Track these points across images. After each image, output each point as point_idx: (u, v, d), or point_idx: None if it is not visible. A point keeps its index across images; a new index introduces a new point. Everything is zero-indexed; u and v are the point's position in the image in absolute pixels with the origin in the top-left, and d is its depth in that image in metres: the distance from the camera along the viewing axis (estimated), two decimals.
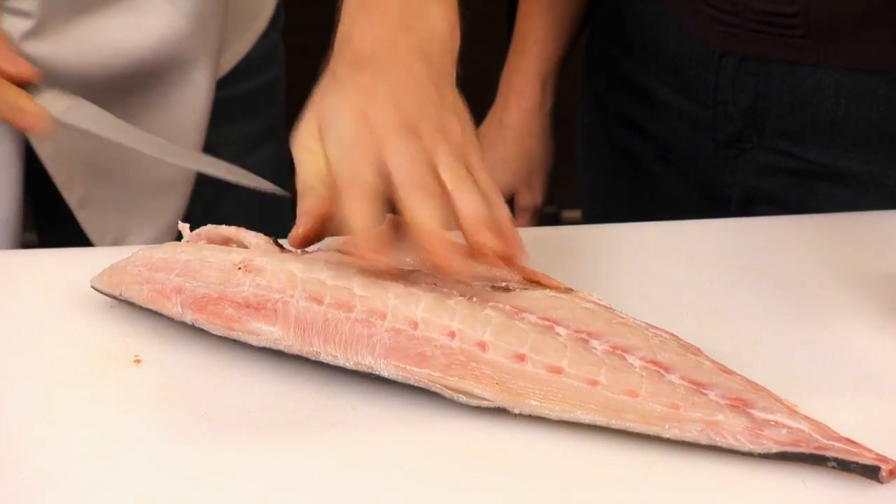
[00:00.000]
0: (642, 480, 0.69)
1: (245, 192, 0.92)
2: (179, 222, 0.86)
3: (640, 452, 0.70)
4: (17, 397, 0.75)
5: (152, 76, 1.08)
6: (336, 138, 0.76)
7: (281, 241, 0.83)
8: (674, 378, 0.72)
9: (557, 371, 0.72)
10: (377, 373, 0.73)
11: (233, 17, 1.15)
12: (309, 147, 0.77)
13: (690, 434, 0.70)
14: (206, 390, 0.75)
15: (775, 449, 0.69)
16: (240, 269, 0.78)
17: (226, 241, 0.84)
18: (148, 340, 0.80)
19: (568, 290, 0.80)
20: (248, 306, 0.76)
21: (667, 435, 0.70)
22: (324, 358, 0.74)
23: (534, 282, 0.80)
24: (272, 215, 0.94)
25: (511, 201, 1.20)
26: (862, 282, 0.87)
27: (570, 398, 0.71)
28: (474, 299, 0.77)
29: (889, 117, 1.02)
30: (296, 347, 0.74)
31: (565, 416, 0.71)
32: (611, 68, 1.18)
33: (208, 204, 1.17)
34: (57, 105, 0.97)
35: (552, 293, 0.79)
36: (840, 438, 0.69)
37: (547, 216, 1.25)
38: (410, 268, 0.80)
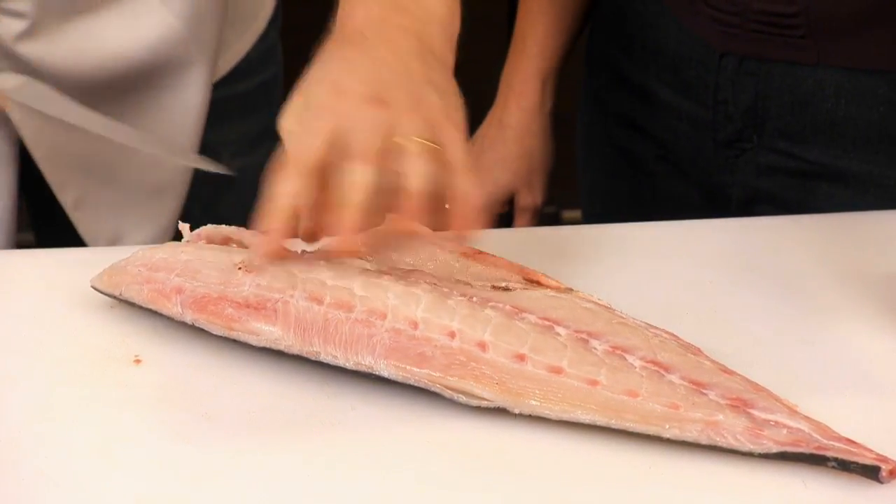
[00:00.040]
0: (642, 480, 0.69)
1: (244, 192, 0.92)
2: (179, 222, 0.86)
3: (640, 452, 0.70)
4: (17, 397, 0.75)
5: (147, 78, 1.08)
6: (298, 108, 0.75)
7: None
8: (674, 378, 0.72)
9: (557, 371, 0.72)
10: (377, 373, 0.73)
11: (232, 17, 1.15)
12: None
13: (690, 434, 0.70)
14: (206, 390, 0.75)
15: (775, 449, 0.69)
16: (240, 269, 0.78)
17: (226, 241, 0.84)
18: (148, 340, 0.80)
19: (568, 290, 0.80)
20: (248, 306, 0.76)
21: (667, 435, 0.70)
22: (324, 358, 0.74)
23: (534, 282, 0.80)
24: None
25: (511, 201, 1.21)
26: (862, 282, 0.87)
27: (570, 398, 0.71)
28: (474, 299, 0.77)
29: (889, 117, 1.02)
30: (296, 347, 0.74)
31: (565, 416, 0.71)
32: (611, 68, 1.18)
33: (206, 204, 1.17)
34: (8, 82, 0.98)
35: (552, 293, 0.79)
36: (840, 438, 0.69)
37: (547, 216, 1.25)
38: (410, 268, 0.80)
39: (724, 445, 0.69)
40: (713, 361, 0.74)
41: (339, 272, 0.77)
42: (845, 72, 1.02)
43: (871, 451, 0.68)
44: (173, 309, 0.78)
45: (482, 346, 0.73)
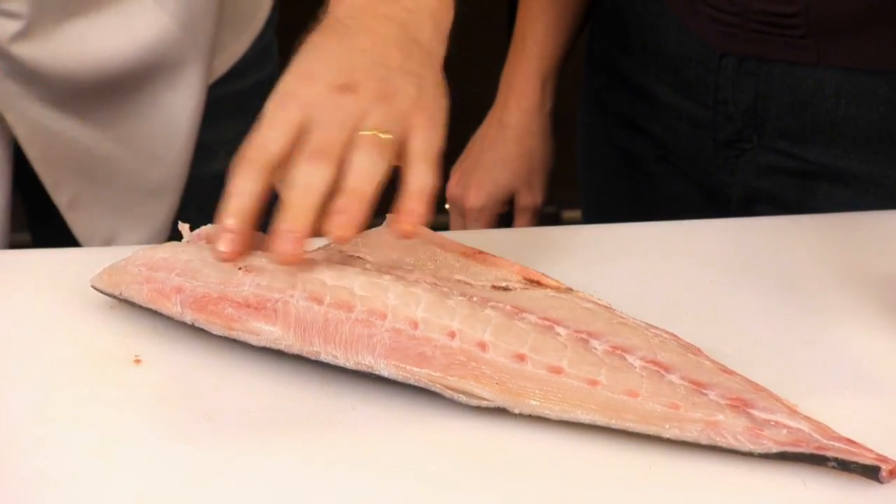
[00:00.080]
0: (642, 480, 0.69)
1: None
2: (180, 222, 0.86)
3: (640, 452, 0.70)
4: (17, 397, 0.75)
5: (142, 78, 1.08)
6: (272, 98, 0.75)
7: None
8: (674, 378, 0.72)
9: (557, 371, 0.72)
10: (377, 373, 0.73)
11: (230, 18, 1.15)
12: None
13: (690, 434, 0.70)
14: (206, 390, 0.75)
15: (775, 449, 0.69)
16: (240, 269, 0.78)
17: None
18: (148, 340, 0.79)
19: (568, 290, 0.80)
20: (248, 306, 0.76)
21: (667, 435, 0.70)
22: (324, 358, 0.74)
23: (534, 282, 0.80)
24: (270, 215, 0.94)
25: (511, 201, 1.20)
26: (862, 282, 0.87)
27: (570, 398, 0.71)
28: (474, 299, 0.77)
29: (889, 117, 1.02)
30: (296, 347, 0.74)
31: (565, 416, 0.71)
32: (611, 68, 1.18)
33: (203, 204, 1.17)
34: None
35: (552, 293, 0.79)
36: (840, 438, 0.69)
37: (547, 216, 1.25)
38: (410, 268, 0.80)
39: (724, 445, 0.69)
40: (713, 361, 0.74)
41: (339, 272, 0.77)
42: (845, 72, 1.02)
43: (871, 451, 0.68)
44: (173, 309, 0.78)
45: (482, 345, 0.73)
